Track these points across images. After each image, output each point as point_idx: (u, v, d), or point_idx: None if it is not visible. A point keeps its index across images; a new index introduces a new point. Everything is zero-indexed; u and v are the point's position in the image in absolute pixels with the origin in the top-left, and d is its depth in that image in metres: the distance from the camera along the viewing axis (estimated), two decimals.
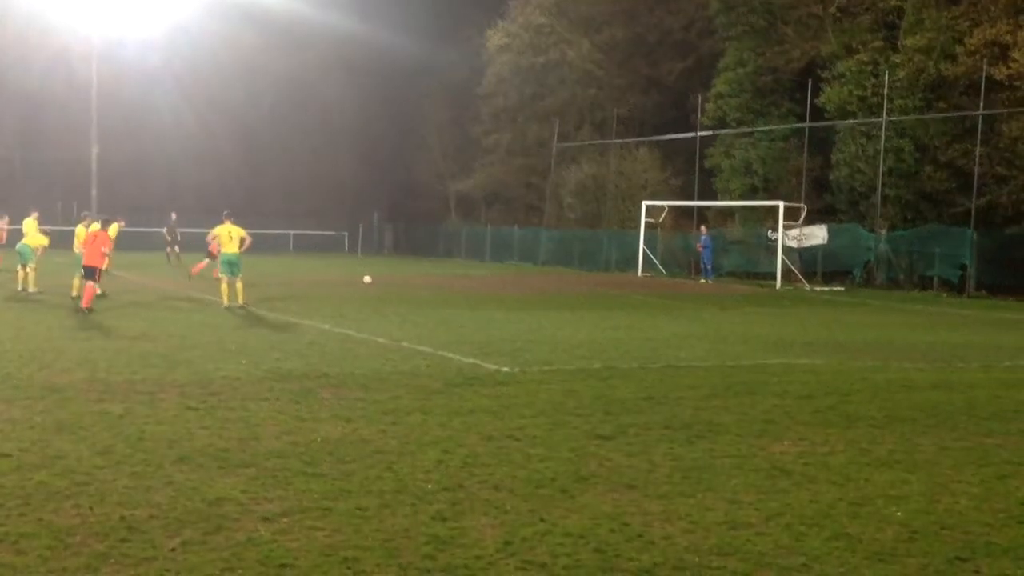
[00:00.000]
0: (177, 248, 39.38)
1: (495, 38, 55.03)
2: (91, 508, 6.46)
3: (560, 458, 8.26)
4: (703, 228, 40.10)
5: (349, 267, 38.79)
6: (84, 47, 47.55)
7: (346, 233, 60.28)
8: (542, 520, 6.56)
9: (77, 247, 22.46)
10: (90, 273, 19.88)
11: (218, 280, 22.16)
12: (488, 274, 40.54)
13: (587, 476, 7.71)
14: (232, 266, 21.09)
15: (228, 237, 21.31)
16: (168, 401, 10.13)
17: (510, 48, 54.65)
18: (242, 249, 21.34)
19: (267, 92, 57.76)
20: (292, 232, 57.84)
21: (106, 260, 20.55)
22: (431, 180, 61.83)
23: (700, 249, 39.49)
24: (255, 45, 55.78)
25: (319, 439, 8.62)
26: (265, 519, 6.37)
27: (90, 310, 19.04)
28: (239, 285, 21.03)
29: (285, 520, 6.37)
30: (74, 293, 21.27)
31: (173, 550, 5.76)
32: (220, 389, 10.86)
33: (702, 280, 38.25)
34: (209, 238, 23.77)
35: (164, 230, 41.05)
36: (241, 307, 20.68)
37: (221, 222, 21.82)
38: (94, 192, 46.48)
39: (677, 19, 52.42)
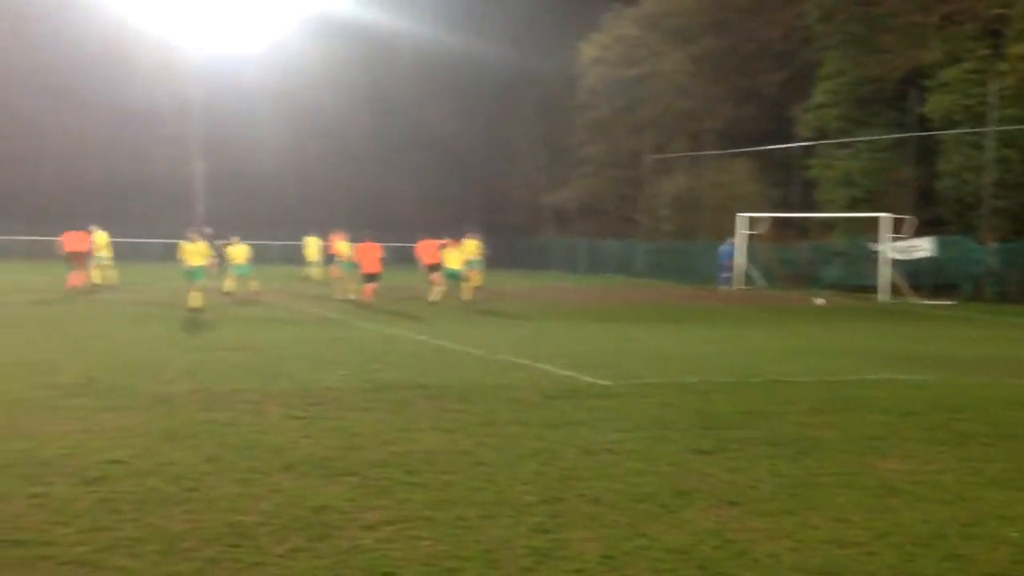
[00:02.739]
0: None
1: (588, 51, 55.09)
2: (201, 514, 6.62)
3: (659, 472, 8.17)
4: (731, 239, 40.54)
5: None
6: (186, 63, 49.00)
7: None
8: (643, 535, 6.50)
9: (187, 261, 23.44)
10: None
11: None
12: (583, 286, 40.47)
13: (687, 491, 7.61)
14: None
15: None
16: (272, 411, 10.32)
17: (603, 60, 54.64)
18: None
19: (362, 107, 58.62)
20: (387, 244, 58.49)
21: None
22: (525, 192, 62.00)
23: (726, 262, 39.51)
24: (349, 60, 56.73)
25: (419, 449, 8.69)
26: (368, 527, 6.45)
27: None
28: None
29: (388, 529, 6.43)
30: (190, 305, 21.99)
31: (281, 556, 5.86)
32: (322, 399, 11.04)
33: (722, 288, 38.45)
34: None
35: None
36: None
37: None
38: (200, 207, 47.72)
39: (773, 29, 51.70)
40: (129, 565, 5.65)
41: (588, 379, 13.26)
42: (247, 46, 51.47)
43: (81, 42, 52.09)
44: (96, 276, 28.75)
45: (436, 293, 27.04)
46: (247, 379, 12.36)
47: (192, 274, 22.56)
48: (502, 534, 6.41)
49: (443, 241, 30.48)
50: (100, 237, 29.24)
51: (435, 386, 12.24)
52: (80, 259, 27.77)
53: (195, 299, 22.11)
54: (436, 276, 27.70)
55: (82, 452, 8.21)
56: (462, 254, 28.02)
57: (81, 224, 28.62)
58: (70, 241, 27.80)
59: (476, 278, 29.45)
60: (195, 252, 22.91)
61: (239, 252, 27.58)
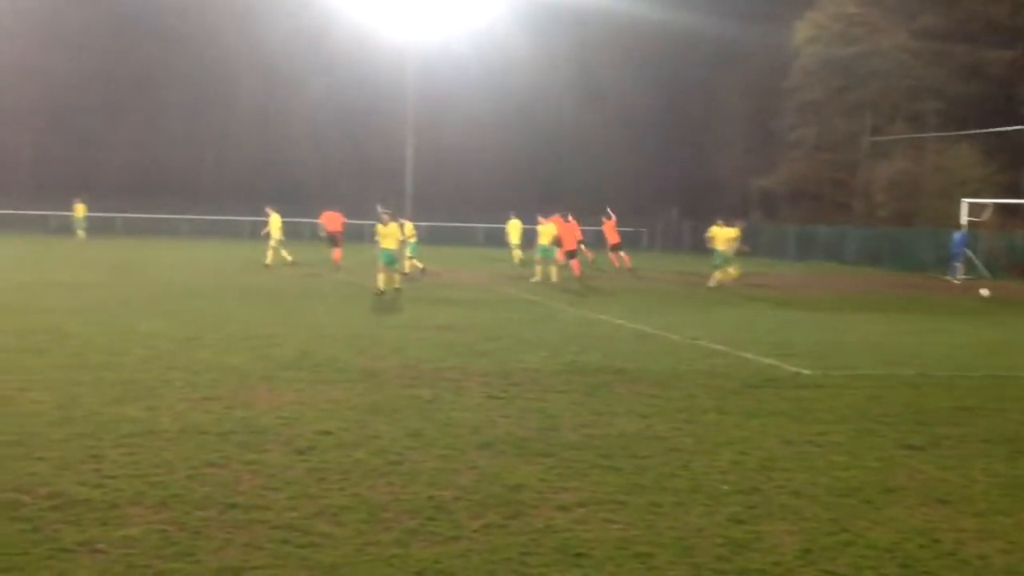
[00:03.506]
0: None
1: (803, 30, 53.39)
2: (402, 486, 6.86)
3: (865, 467, 7.88)
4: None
5: (644, 262, 38.68)
6: (400, 49, 50.49)
7: (644, 229, 60.17)
8: (845, 530, 6.30)
9: (380, 243, 24.09)
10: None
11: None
12: (791, 273, 39.33)
13: (895, 488, 7.31)
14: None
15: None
16: (472, 389, 10.57)
17: (819, 40, 52.86)
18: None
19: (568, 89, 58.93)
20: (585, 228, 58.53)
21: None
22: (731, 175, 60.76)
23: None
24: (556, 42, 57.11)
25: (615, 433, 8.70)
26: (562, 508, 6.52)
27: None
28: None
29: (581, 510, 6.48)
30: (380, 286, 22.54)
31: (476, 531, 6.01)
32: (520, 380, 11.20)
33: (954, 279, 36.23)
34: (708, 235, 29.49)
35: None
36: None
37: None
38: (408, 188, 49.14)
39: (1001, 5, 48.67)
40: (334, 532, 5.93)
41: (791, 368, 12.90)
42: (457, 31, 52.47)
43: (298, 32, 54.74)
44: (270, 256, 29.90)
45: (714, 280, 28.21)
46: (449, 358, 12.69)
47: (384, 256, 22.98)
48: (696, 522, 6.34)
49: (612, 220, 31.17)
50: (274, 220, 30.35)
51: (632, 370, 12.20)
52: (338, 237, 30.14)
53: (384, 280, 22.49)
54: (625, 255, 29.94)
55: (295, 422, 8.67)
56: (727, 237, 28.65)
57: (332, 205, 31.70)
58: (329, 221, 30.47)
59: (733, 271, 29.18)
60: (387, 234, 23.38)
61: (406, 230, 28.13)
